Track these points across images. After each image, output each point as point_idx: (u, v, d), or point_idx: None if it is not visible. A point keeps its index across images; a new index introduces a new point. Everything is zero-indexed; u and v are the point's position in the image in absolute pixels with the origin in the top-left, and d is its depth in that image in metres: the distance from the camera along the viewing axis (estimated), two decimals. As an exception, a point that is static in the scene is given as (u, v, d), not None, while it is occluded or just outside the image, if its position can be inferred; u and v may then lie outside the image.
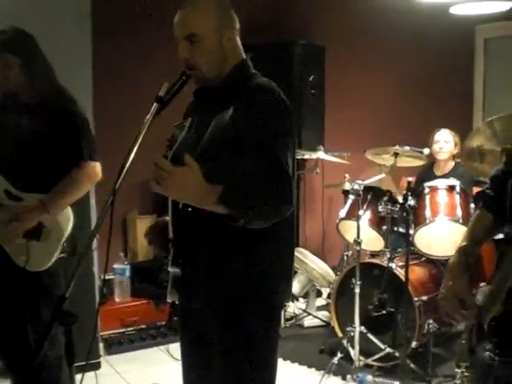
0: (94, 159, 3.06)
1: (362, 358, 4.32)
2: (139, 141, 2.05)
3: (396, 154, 4.76)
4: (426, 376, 4.20)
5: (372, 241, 4.63)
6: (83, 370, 3.40)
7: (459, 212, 4.38)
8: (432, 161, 5.32)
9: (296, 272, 5.49)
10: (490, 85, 6.68)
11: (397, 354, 4.27)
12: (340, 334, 4.57)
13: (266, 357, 2.31)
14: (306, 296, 5.70)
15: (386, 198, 4.57)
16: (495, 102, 6.33)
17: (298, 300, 5.77)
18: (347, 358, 4.37)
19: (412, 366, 4.21)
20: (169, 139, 2.33)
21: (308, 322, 5.46)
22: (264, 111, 2.16)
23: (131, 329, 5.00)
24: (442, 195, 4.48)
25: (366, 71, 6.25)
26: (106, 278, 4.96)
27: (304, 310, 5.57)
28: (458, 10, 4.81)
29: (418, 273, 4.57)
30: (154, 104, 2.14)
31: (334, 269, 5.55)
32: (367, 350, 4.37)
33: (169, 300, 2.38)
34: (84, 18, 4.39)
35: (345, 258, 5.52)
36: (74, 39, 4.32)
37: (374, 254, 4.87)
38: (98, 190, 3.93)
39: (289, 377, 4.38)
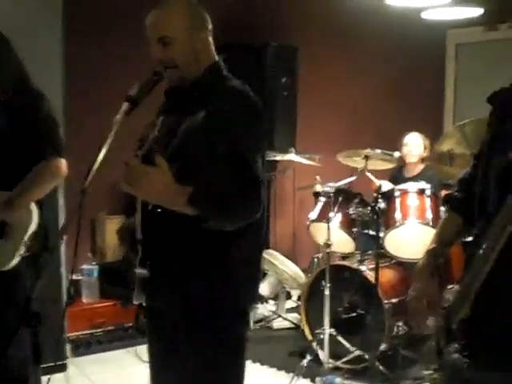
0: (58, 156, 3.03)
1: (331, 360, 4.32)
2: (109, 140, 2.03)
3: (367, 157, 4.77)
4: (395, 378, 4.21)
5: (342, 243, 4.63)
6: (50, 371, 3.38)
7: (429, 215, 4.41)
8: (402, 164, 5.35)
9: (266, 274, 5.48)
10: (460, 89, 6.74)
11: (366, 357, 4.28)
12: (310, 337, 4.57)
13: (233, 359, 2.30)
14: (275, 298, 5.69)
15: (356, 201, 4.59)
16: (466, 106, 6.39)
17: (267, 302, 5.76)
18: (317, 360, 4.36)
19: (381, 368, 4.22)
20: (139, 139, 2.32)
21: (278, 324, 5.44)
22: (236, 115, 2.17)
23: (99, 330, 4.94)
24: (412, 198, 4.49)
25: (339, 74, 6.27)
26: (74, 278, 4.91)
27: (274, 312, 5.56)
28: (429, 15, 4.84)
29: (388, 275, 4.59)
30: (124, 103, 2.13)
31: (304, 271, 5.55)
32: (337, 353, 4.36)
33: (135, 302, 2.36)
34: (55, 18, 4.35)
35: (315, 260, 5.53)
36: (45, 39, 4.28)
37: (344, 257, 4.88)
38: (67, 189, 3.89)
39: (258, 379, 4.37)
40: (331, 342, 4.30)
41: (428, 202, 4.46)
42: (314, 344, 4.42)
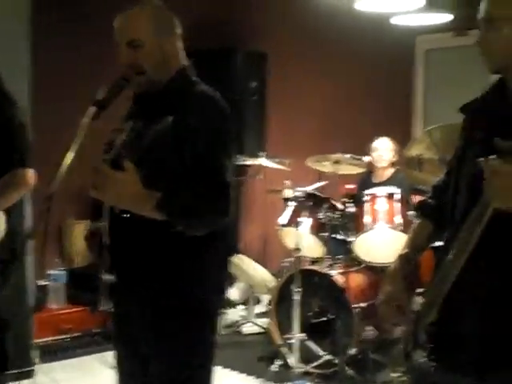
0: (26, 166, 2.99)
1: (301, 365, 4.32)
2: (76, 145, 2.01)
3: (337, 162, 4.79)
4: (364, 382, 4.23)
5: (312, 248, 4.64)
6: (18, 377, 3.34)
7: (398, 219, 4.43)
8: (371, 168, 5.37)
9: (236, 279, 5.47)
10: (430, 95, 6.78)
11: (336, 361, 4.28)
12: (279, 341, 4.56)
13: (202, 364, 2.28)
14: (245, 303, 5.68)
15: (326, 205, 4.61)
16: (435, 112, 6.42)
17: (237, 307, 5.75)
18: (286, 365, 4.36)
19: (351, 372, 4.23)
20: (107, 143, 2.30)
21: (247, 329, 5.43)
22: (205, 120, 2.17)
23: (66, 336, 4.89)
24: (382, 203, 4.52)
25: (309, 79, 6.28)
26: (42, 284, 4.86)
27: (243, 317, 5.55)
28: (398, 21, 4.87)
29: (357, 280, 4.60)
30: (91, 107, 2.11)
31: (274, 275, 5.54)
32: (306, 357, 4.36)
33: (103, 308, 2.33)
34: (23, 20, 4.31)
35: (285, 264, 5.52)
36: (12, 43, 4.24)
37: (314, 261, 4.88)
38: (35, 195, 3.84)
39: (228, 384, 4.36)
40: (301, 346, 4.30)
41: (397, 206, 4.49)
42: (284, 349, 4.42)
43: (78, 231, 5.12)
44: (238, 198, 5.72)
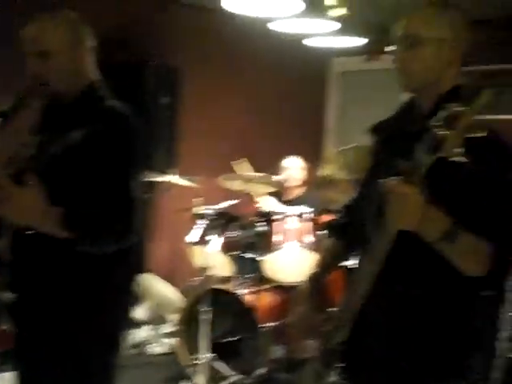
0: None
1: (209, 386, 4.26)
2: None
3: (248, 180, 4.77)
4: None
5: (222, 266, 4.60)
6: None
7: (308, 238, 4.45)
8: (282, 187, 5.38)
9: (142, 298, 5.36)
10: (343, 117, 6.91)
11: (245, 381, 4.25)
12: (187, 362, 4.49)
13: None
14: (152, 322, 5.57)
15: (236, 224, 4.59)
16: (348, 132, 6.54)
17: (143, 326, 5.62)
18: (194, 386, 4.30)
19: (260, 392, 4.20)
20: (11, 157, 2.20)
21: (154, 349, 5.32)
22: (113, 136, 2.14)
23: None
24: (292, 222, 4.53)
25: (221, 96, 6.25)
26: None
27: (150, 337, 5.43)
28: (312, 43, 4.91)
29: (267, 299, 4.58)
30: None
31: (182, 294, 5.46)
32: (215, 378, 4.31)
33: (2, 327, 2.24)
34: None
35: (194, 283, 5.44)
36: None
37: (223, 280, 4.83)
38: None
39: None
40: (209, 367, 4.24)
41: (308, 225, 4.51)
42: (191, 369, 4.35)
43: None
44: (146, 215, 5.61)
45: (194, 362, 4.33)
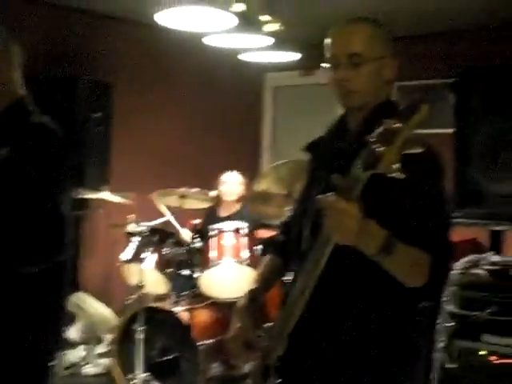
0: None
1: (145, 406, 4.19)
2: None
3: (183, 196, 4.73)
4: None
5: (156, 284, 4.54)
6: None
7: (245, 254, 4.44)
8: (218, 202, 5.35)
9: (75, 317, 5.24)
10: (278, 131, 6.96)
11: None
12: (122, 382, 4.40)
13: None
14: (86, 342, 5.45)
15: (171, 241, 4.54)
16: (283, 147, 6.59)
17: (77, 347, 5.50)
18: (129, 407, 4.21)
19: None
20: None
21: (88, 370, 5.21)
22: (40, 152, 2.10)
23: None
24: (229, 237, 4.51)
25: (156, 111, 6.20)
26: None
27: (84, 358, 5.31)
28: (248, 57, 4.92)
29: (203, 316, 4.55)
30: None
31: (117, 313, 5.36)
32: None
33: None
34: None
35: (128, 302, 5.35)
36: None
37: (158, 298, 4.77)
38: None
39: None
40: (145, 386, 4.17)
41: (244, 241, 4.49)
42: (127, 390, 4.27)
43: None
44: (78, 232, 5.51)
45: (130, 382, 4.25)
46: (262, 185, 4.74)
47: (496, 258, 3.02)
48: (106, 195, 4.98)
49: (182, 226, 4.98)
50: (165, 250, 4.51)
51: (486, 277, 2.89)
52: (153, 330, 4.29)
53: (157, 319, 4.37)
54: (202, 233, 4.71)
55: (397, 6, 4.84)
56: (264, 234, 4.74)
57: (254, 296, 2.20)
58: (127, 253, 4.56)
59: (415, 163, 1.57)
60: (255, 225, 4.87)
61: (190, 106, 6.41)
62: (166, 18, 3.50)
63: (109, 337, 5.48)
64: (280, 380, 2.00)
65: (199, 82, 6.34)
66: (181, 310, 4.37)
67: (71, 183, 2.22)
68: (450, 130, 3.41)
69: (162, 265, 4.52)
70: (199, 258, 4.48)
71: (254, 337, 2.11)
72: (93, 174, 5.41)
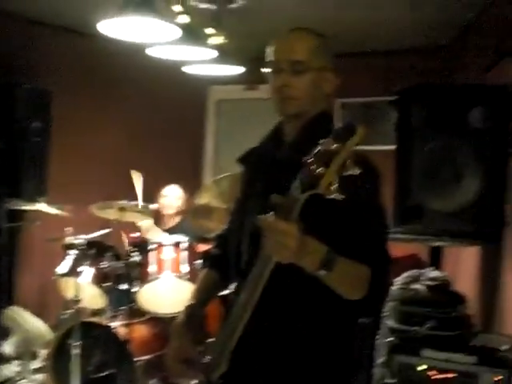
0: None
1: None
2: None
3: (122, 209, 4.66)
4: None
5: (93, 298, 4.46)
6: None
7: (185, 268, 4.40)
8: (158, 216, 5.30)
9: (9, 332, 5.11)
10: (221, 144, 6.95)
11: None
12: (56, 399, 4.29)
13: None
14: (20, 357, 5.31)
15: (109, 254, 4.47)
16: (225, 161, 6.58)
17: (11, 362, 5.36)
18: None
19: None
20: None
21: (22, 386, 5.08)
22: None
23: None
24: (168, 251, 4.46)
25: (97, 122, 6.11)
26: None
27: (18, 373, 5.17)
28: (191, 70, 4.89)
29: (141, 331, 4.48)
30: None
31: (52, 328, 5.24)
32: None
33: None
34: None
35: (64, 316, 5.24)
36: None
37: (95, 313, 4.68)
38: None
39: None
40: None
41: (184, 255, 4.46)
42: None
43: None
44: (12, 245, 5.37)
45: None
46: (204, 198, 4.71)
47: (435, 274, 3.06)
48: (42, 207, 4.88)
49: (121, 239, 4.91)
50: (103, 264, 4.42)
51: (425, 292, 2.92)
52: (89, 345, 4.20)
53: (93, 334, 4.28)
54: (141, 246, 4.64)
55: (341, 23, 4.90)
56: (204, 248, 4.70)
57: (192, 312, 2.18)
58: (64, 266, 4.46)
59: (353, 182, 1.57)
60: (196, 239, 4.83)
61: (131, 118, 6.34)
62: (109, 28, 3.44)
63: (44, 352, 5.36)
64: None
65: (142, 94, 6.28)
66: (118, 325, 4.30)
67: (4, 194, 2.14)
68: (393, 147, 3.45)
69: (99, 279, 4.44)
70: (138, 272, 4.41)
71: (193, 353, 2.09)
72: (30, 184, 5.29)
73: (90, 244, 4.46)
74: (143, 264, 4.42)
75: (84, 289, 4.23)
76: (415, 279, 3.03)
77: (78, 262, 4.34)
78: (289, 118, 2.02)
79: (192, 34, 4.06)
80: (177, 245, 4.49)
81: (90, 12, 4.18)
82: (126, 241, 5.03)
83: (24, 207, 4.95)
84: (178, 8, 3.93)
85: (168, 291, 4.40)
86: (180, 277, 4.37)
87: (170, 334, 2.20)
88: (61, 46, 5.80)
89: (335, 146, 1.47)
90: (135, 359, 4.16)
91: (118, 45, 4.28)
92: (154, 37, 3.65)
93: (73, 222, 4.80)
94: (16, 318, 5.05)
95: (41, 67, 5.65)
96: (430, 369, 2.69)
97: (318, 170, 1.48)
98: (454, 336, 2.80)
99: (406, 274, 3.09)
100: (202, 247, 4.71)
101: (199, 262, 4.44)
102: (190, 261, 4.44)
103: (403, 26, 5.04)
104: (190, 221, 5.05)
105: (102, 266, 4.43)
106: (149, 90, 6.26)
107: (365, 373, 2.77)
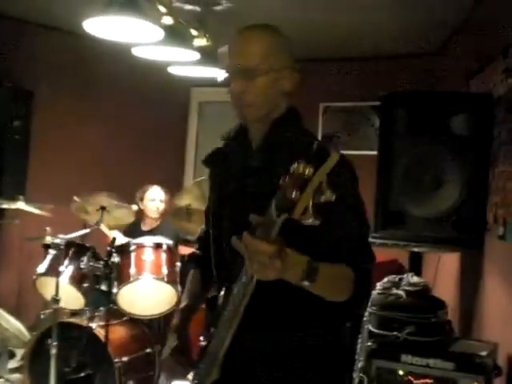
0: None
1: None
2: None
3: (103, 209, 4.63)
4: None
5: (72, 299, 4.41)
6: None
7: (165, 270, 4.37)
8: (140, 217, 5.28)
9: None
10: (202, 146, 6.94)
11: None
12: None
13: None
14: (-4, 358, 5.26)
15: (89, 254, 4.43)
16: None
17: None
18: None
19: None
20: None
21: (-2, 385, 5.03)
22: None
23: None
24: (149, 253, 4.43)
25: (78, 122, 6.07)
26: None
27: (-6, 374, 5.12)
28: (175, 71, 4.88)
29: (119, 332, 4.45)
30: None
31: (30, 328, 5.19)
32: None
33: None
34: None
35: (42, 316, 5.20)
36: None
37: (73, 313, 4.64)
38: None
39: None
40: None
41: (164, 256, 4.43)
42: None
43: None
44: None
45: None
46: (184, 200, 4.69)
47: (415, 279, 3.06)
48: (21, 205, 4.84)
49: (101, 240, 4.87)
50: (82, 264, 4.39)
51: (405, 297, 2.92)
52: (67, 345, 4.17)
53: (71, 335, 4.25)
54: (121, 247, 4.61)
55: (326, 28, 4.91)
56: (185, 249, 4.68)
57: (186, 313, 2.21)
58: (42, 266, 4.41)
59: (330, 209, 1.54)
60: (176, 240, 4.81)
61: (113, 117, 6.31)
62: (94, 27, 3.43)
63: (21, 352, 5.31)
64: None
65: (124, 94, 6.25)
66: (96, 326, 4.26)
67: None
68: (375, 152, 3.46)
69: (78, 279, 4.40)
70: (117, 273, 4.37)
71: (188, 357, 2.12)
72: (9, 183, 5.26)
73: (70, 244, 4.42)
74: (123, 265, 4.38)
75: (62, 289, 4.19)
76: (395, 284, 3.04)
77: (56, 262, 4.29)
78: (251, 123, 1.99)
79: (176, 36, 4.05)
80: (157, 246, 4.46)
81: (76, 11, 4.16)
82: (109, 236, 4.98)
83: (3, 205, 4.91)
84: (162, 9, 3.93)
85: (147, 293, 4.37)
86: (159, 279, 4.34)
87: (168, 334, 2.21)
88: (45, 45, 5.77)
89: (308, 170, 1.44)
90: (114, 360, 4.12)
91: (102, 44, 4.27)
92: (139, 37, 3.64)
93: (53, 221, 4.77)
94: (-7, 317, 5.00)
95: (23, 66, 5.62)
96: (408, 374, 2.69)
97: (292, 195, 1.45)
98: (433, 342, 2.80)
99: (386, 279, 3.10)
100: (183, 249, 4.70)
101: (179, 264, 4.42)
102: (170, 263, 4.42)
103: (388, 32, 5.07)
104: (170, 222, 5.03)
105: (81, 267, 4.39)
106: (132, 90, 6.24)
107: (346, 378, 2.77)
